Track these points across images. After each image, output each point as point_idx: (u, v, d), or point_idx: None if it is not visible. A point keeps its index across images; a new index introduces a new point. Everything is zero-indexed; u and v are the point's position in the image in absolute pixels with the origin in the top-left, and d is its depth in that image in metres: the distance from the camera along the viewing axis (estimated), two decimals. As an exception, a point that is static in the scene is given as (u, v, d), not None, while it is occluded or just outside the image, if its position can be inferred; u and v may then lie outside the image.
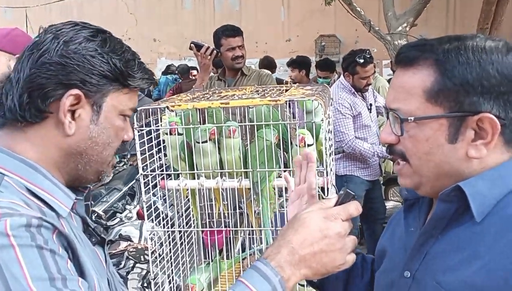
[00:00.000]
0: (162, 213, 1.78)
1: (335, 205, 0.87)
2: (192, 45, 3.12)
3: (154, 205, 1.80)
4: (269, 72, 3.54)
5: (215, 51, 3.12)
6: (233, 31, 3.22)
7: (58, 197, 0.85)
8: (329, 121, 1.82)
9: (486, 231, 0.81)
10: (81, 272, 0.79)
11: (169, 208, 2.38)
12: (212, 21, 9.50)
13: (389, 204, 4.38)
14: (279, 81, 5.83)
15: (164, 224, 1.79)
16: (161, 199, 2.24)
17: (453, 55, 0.81)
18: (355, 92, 3.44)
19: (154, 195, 1.89)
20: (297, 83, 5.62)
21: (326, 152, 1.53)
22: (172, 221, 1.80)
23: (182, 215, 1.95)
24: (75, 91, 0.83)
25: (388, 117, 0.89)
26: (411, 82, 0.84)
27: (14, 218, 0.73)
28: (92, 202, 3.31)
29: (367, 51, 3.47)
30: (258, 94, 1.73)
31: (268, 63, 5.67)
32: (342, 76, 3.58)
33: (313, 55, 9.13)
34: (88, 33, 0.87)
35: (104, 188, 3.92)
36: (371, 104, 3.55)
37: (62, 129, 0.85)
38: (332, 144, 1.92)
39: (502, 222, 0.80)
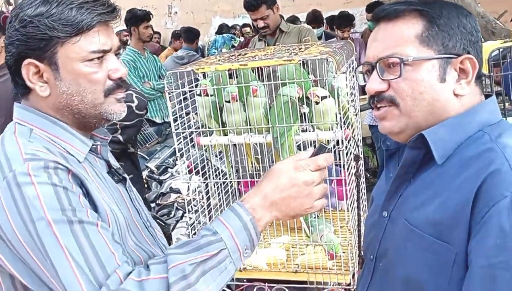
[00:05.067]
0: (198, 167, 1.96)
1: (310, 157, 0.99)
2: None
3: (194, 161, 1.98)
4: (309, 27, 3.58)
5: None
6: (251, 5, 3.32)
7: (75, 145, 1.03)
8: (351, 76, 1.89)
9: (447, 171, 0.92)
10: (95, 207, 0.97)
11: (213, 160, 2.56)
12: (264, -26, 9.35)
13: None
14: (328, 35, 5.75)
15: (208, 176, 1.98)
16: (198, 153, 2.43)
17: (436, 7, 0.95)
18: None
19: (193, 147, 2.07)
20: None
21: (340, 107, 1.62)
22: (215, 173, 1.98)
23: (218, 168, 2.13)
24: (27, 60, 0.98)
25: (374, 69, 0.97)
26: (402, 30, 0.96)
27: (35, 161, 0.92)
28: (147, 158, 3.60)
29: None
30: (285, 53, 1.83)
31: (314, 18, 5.59)
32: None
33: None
34: (26, 7, 0.98)
35: (159, 145, 4.21)
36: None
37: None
38: (355, 99, 1.99)
39: (460, 163, 0.91)
